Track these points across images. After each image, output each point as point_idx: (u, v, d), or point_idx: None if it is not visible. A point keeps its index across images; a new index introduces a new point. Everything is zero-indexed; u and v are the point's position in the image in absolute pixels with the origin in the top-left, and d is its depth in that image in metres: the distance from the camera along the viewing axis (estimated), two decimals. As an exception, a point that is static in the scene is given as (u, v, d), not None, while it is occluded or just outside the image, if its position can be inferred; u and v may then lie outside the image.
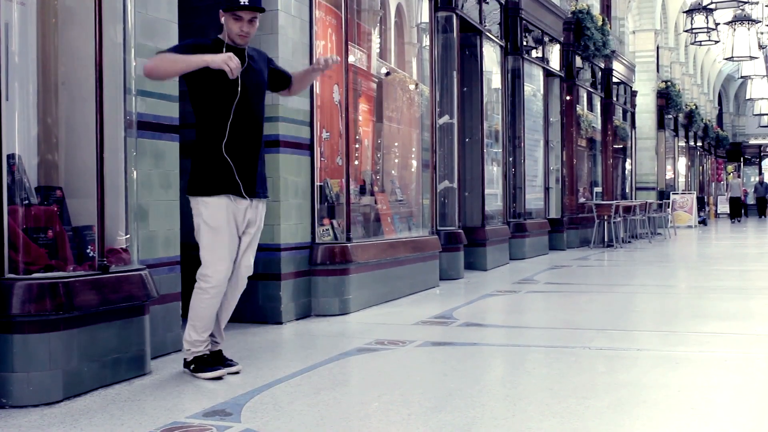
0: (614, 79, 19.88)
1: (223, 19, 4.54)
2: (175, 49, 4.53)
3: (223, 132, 4.43)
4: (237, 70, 4.26)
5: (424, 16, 9.67)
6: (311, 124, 6.86)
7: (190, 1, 6.92)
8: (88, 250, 4.48)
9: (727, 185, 34.48)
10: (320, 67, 4.81)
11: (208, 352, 4.62)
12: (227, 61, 4.23)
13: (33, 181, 4.42)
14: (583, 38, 16.35)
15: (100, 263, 4.40)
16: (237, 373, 4.61)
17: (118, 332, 4.45)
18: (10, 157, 4.14)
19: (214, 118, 4.47)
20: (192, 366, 4.59)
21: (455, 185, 10.20)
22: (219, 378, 4.51)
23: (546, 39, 14.74)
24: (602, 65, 18.83)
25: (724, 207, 36.36)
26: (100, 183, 4.43)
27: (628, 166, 22.70)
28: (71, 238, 4.46)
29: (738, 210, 33.09)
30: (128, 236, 4.70)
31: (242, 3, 4.44)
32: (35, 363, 3.98)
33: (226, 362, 4.66)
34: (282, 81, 4.90)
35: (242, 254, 4.62)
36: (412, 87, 9.62)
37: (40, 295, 3.98)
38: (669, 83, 26.69)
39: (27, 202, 4.25)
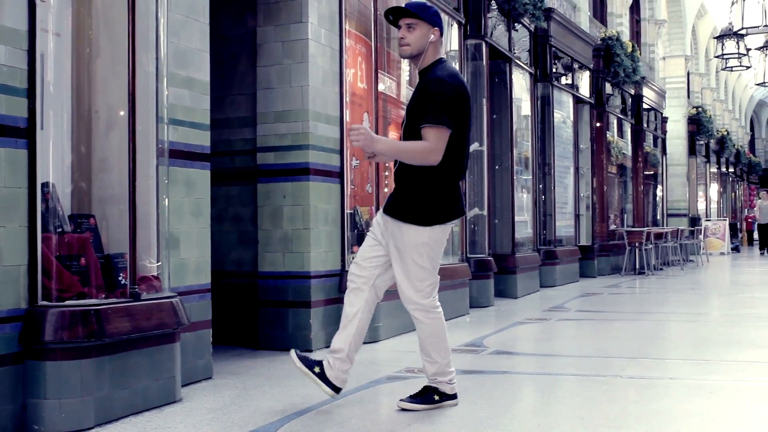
0: (644, 106, 19.82)
1: None
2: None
3: None
4: (357, 143, 4.37)
5: (454, 43, 9.71)
6: (341, 152, 6.89)
7: (221, 30, 7.01)
8: (120, 278, 4.51)
9: (757, 210, 28.27)
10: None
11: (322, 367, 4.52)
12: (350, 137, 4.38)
13: (66, 208, 4.47)
14: (613, 65, 16.33)
15: (132, 291, 4.43)
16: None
17: (150, 359, 4.47)
18: (44, 185, 4.19)
19: None
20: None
21: (485, 212, 10.19)
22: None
23: (575, 66, 14.74)
24: (632, 91, 18.78)
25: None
26: (132, 211, 4.48)
27: (659, 192, 22.56)
28: (103, 265, 4.50)
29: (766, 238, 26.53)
30: (160, 264, 4.73)
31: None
32: (67, 390, 4.00)
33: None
34: None
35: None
36: (441, 114, 9.63)
37: (73, 323, 4.01)
38: (700, 109, 26.55)
39: (60, 229, 4.29)
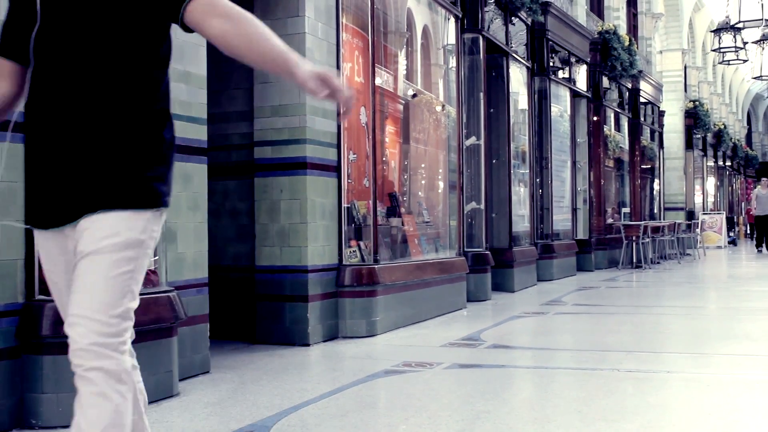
0: (641, 99, 19.81)
1: None
2: None
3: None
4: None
5: (451, 37, 9.70)
6: (338, 146, 6.88)
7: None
8: (117, 272, 4.50)
9: (756, 199, 23.10)
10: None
11: None
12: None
13: (63, 203, 4.45)
14: (610, 58, 16.32)
15: (129, 285, 4.42)
16: None
17: (147, 354, 4.46)
18: (41, 180, 4.17)
19: None
20: None
21: (482, 206, 10.19)
22: None
23: (572, 59, 14.73)
24: (629, 85, 18.78)
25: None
26: (130, 205, 4.46)
27: (656, 186, 22.57)
28: (101, 260, 4.49)
29: (763, 234, 22.71)
30: (157, 258, 4.73)
31: None
32: (65, 384, 3.99)
33: None
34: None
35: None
36: (438, 108, 9.63)
37: (70, 317, 4.00)
38: (697, 103, 26.55)
39: (57, 224, 4.28)
